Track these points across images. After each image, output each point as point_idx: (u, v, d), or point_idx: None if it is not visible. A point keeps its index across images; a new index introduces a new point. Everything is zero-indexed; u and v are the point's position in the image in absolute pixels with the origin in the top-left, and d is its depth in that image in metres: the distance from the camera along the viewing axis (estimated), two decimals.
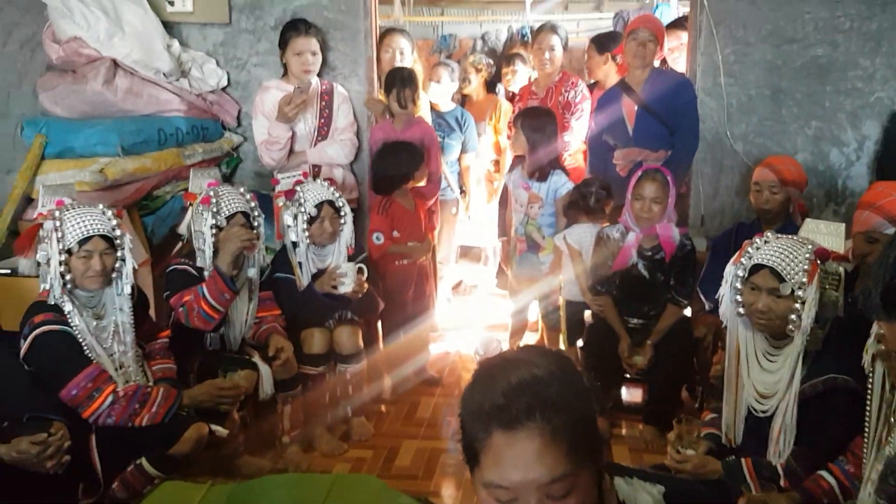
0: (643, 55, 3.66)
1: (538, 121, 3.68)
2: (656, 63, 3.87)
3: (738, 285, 2.16)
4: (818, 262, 2.10)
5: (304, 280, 3.26)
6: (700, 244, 3.50)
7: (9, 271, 3.05)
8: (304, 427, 3.21)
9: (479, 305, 5.02)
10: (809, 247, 2.13)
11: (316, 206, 3.19)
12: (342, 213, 3.27)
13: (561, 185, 3.68)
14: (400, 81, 3.79)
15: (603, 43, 4.48)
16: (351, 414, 3.38)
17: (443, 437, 3.35)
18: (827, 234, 2.29)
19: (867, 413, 1.79)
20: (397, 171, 3.63)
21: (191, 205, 3.03)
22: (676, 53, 4.38)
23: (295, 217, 3.20)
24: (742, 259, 2.18)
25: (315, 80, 3.80)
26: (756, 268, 2.14)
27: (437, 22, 7.73)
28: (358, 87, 4.01)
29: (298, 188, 3.23)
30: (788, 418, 2.14)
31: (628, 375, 3.41)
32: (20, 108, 3.52)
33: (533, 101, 4.21)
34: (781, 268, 2.09)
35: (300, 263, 3.26)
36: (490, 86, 5.38)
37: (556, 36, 4.23)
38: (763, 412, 2.21)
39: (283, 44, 3.75)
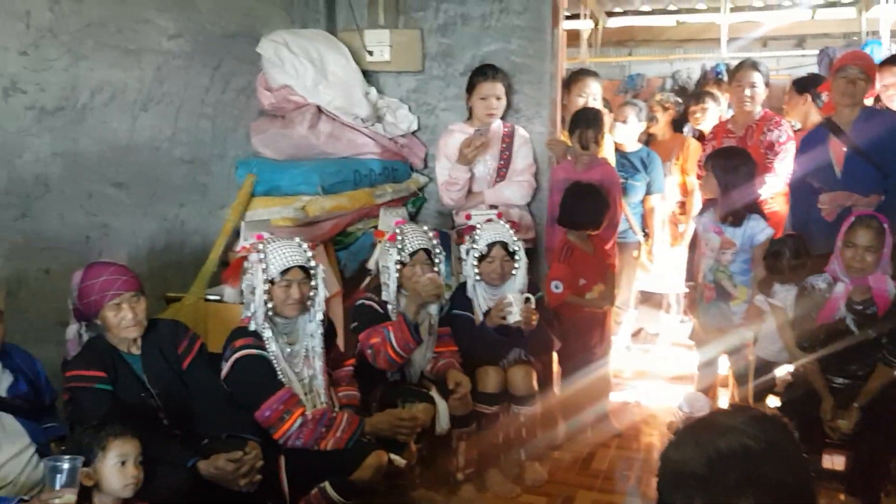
0: (853, 93, 3.42)
1: (731, 161, 3.48)
2: (868, 102, 3.58)
3: None
4: None
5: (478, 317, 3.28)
6: None
7: (218, 298, 3.33)
8: (478, 466, 3.21)
9: (660, 355, 4.80)
10: None
11: (487, 245, 3.23)
12: (516, 257, 3.27)
13: (759, 231, 3.42)
14: (585, 122, 3.75)
15: (804, 83, 4.24)
16: (524, 457, 3.33)
17: (621, 492, 3.21)
18: None
19: None
20: (582, 218, 3.57)
21: (379, 241, 3.17)
22: (892, 91, 4.02)
23: (468, 253, 3.26)
24: None
25: (497, 123, 3.87)
26: None
27: (624, 62, 7.65)
28: (541, 128, 4.03)
29: (478, 225, 3.29)
30: None
31: (830, 440, 3.10)
32: (235, 149, 3.85)
33: (729, 141, 3.98)
34: None
35: (471, 300, 3.29)
36: (677, 125, 5.21)
37: (758, 73, 3.98)
38: None
39: (470, 88, 3.86)
